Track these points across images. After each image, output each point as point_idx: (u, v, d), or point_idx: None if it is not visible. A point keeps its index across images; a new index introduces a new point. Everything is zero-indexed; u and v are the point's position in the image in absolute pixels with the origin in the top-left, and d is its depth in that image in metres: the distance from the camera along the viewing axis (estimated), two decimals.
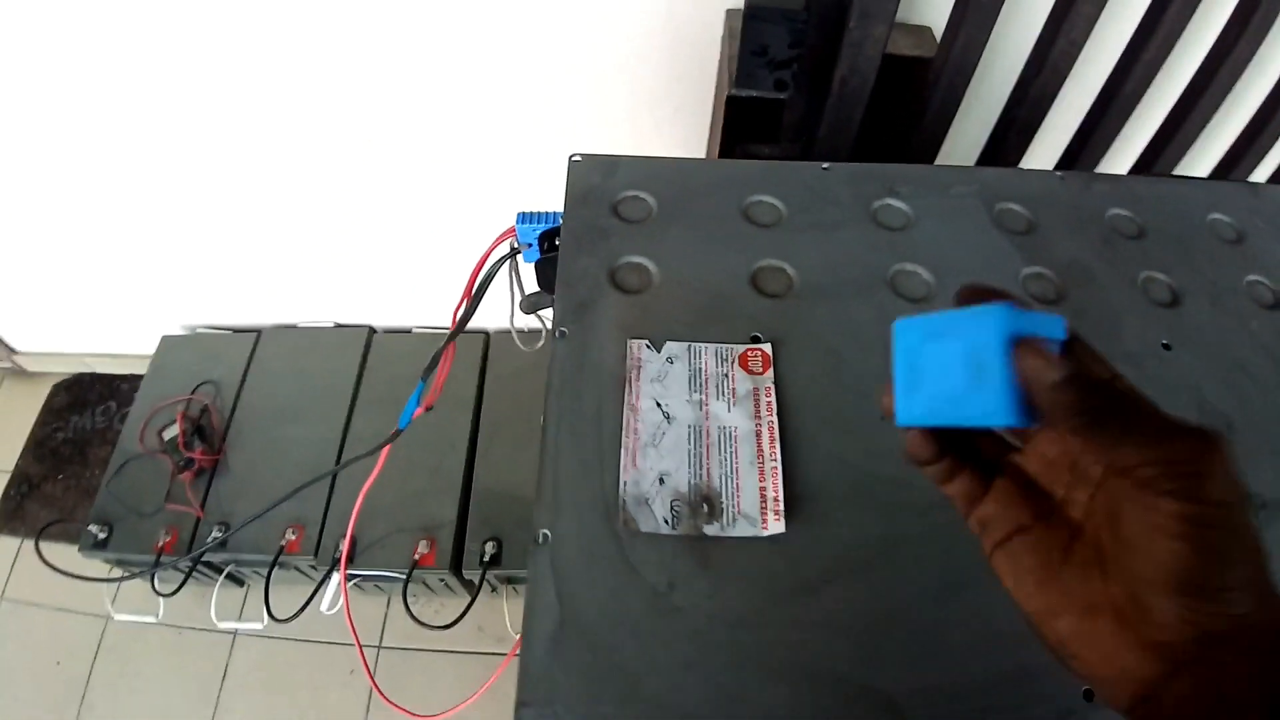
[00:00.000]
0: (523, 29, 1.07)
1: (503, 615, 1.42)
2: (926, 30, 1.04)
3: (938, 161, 1.11)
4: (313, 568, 1.40)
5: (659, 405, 0.56)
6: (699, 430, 0.55)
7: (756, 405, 0.56)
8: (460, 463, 1.46)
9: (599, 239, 0.65)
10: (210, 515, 1.41)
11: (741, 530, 0.51)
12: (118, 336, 1.78)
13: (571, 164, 0.71)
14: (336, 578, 1.36)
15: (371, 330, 1.66)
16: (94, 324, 1.75)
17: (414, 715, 1.15)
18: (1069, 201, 0.73)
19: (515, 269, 0.78)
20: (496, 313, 1.67)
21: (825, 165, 0.72)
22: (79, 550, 1.41)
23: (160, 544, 1.38)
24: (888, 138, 1.06)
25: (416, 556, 1.35)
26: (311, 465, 1.46)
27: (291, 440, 1.49)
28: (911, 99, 1.03)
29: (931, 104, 1.02)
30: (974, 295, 0.33)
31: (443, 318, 1.67)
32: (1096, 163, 1.12)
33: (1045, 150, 1.14)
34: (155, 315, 1.69)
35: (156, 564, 1.37)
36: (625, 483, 0.52)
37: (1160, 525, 0.27)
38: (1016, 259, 0.67)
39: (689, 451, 0.54)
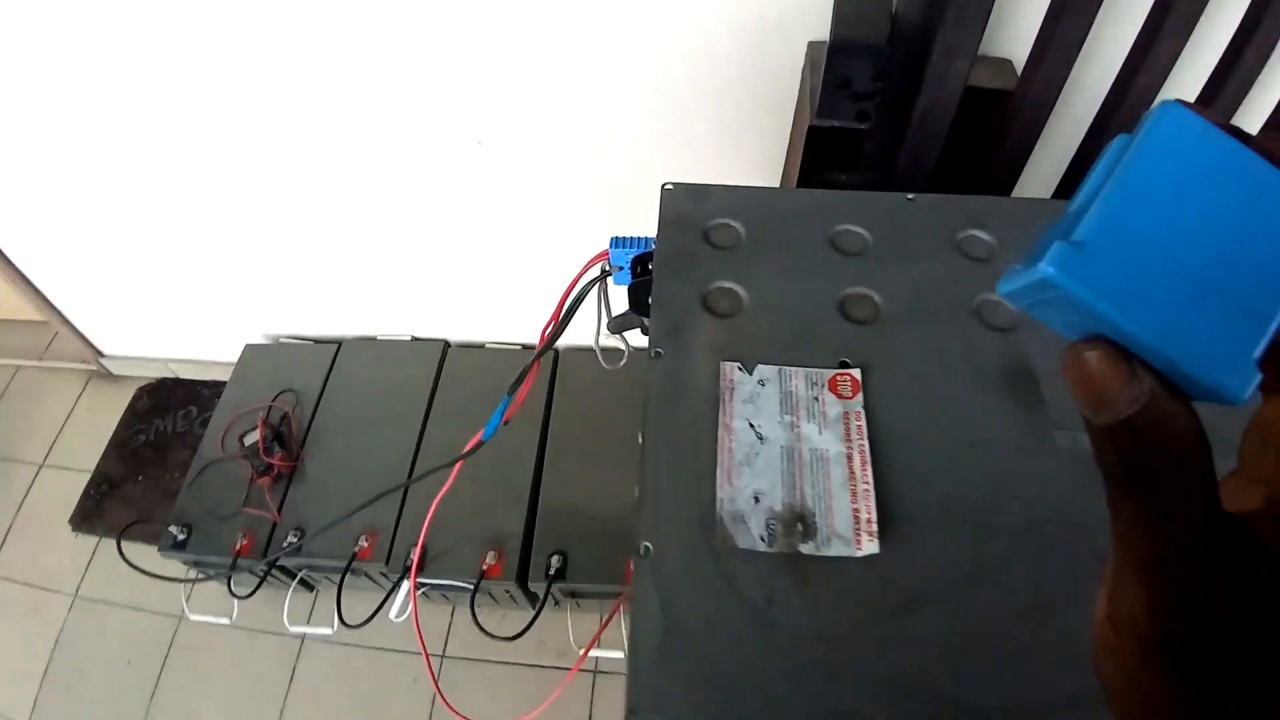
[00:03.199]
0: (610, 56, 1.10)
1: (565, 629, 1.44)
2: (1007, 63, 1.05)
3: (1015, 192, 1.11)
4: (383, 575, 1.44)
5: (752, 426, 0.58)
6: (791, 451, 0.57)
7: (847, 429, 0.58)
8: (528, 476, 1.49)
9: (691, 264, 0.68)
10: (287, 520, 1.47)
11: (836, 550, 0.53)
12: (201, 343, 1.86)
13: (664, 192, 0.74)
14: (406, 585, 1.40)
15: (446, 344, 1.72)
16: (178, 330, 1.83)
17: None
18: None
19: (604, 291, 0.81)
20: (569, 331, 1.71)
21: (910, 196, 0.74)
22: (158, 550, 1.47)
23: (237, 547, 1.44)
24: (966, 167, 1.07)
25: (484, 567, 1.38)
26: (386, 474, 1.51)
27: (367, 449, 1.55)
28: (991, 130, 1.04)
29: (1011, 135, 1.03)
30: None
31: (514, 334, 1.72)
32: None
33: None
34: (238, 323, 1.77)
35: (234, 566, 1.42)
36: (722, 500, 0.54)
37: None
38: None
39: (782, 471, 0.56)
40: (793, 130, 1.17)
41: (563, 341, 1.69)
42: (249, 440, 1.54)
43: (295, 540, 1.42)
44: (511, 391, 0.91)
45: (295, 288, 1.66)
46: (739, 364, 0.61)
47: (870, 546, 0.53)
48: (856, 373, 0.61)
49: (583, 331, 1.64)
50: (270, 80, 1.20)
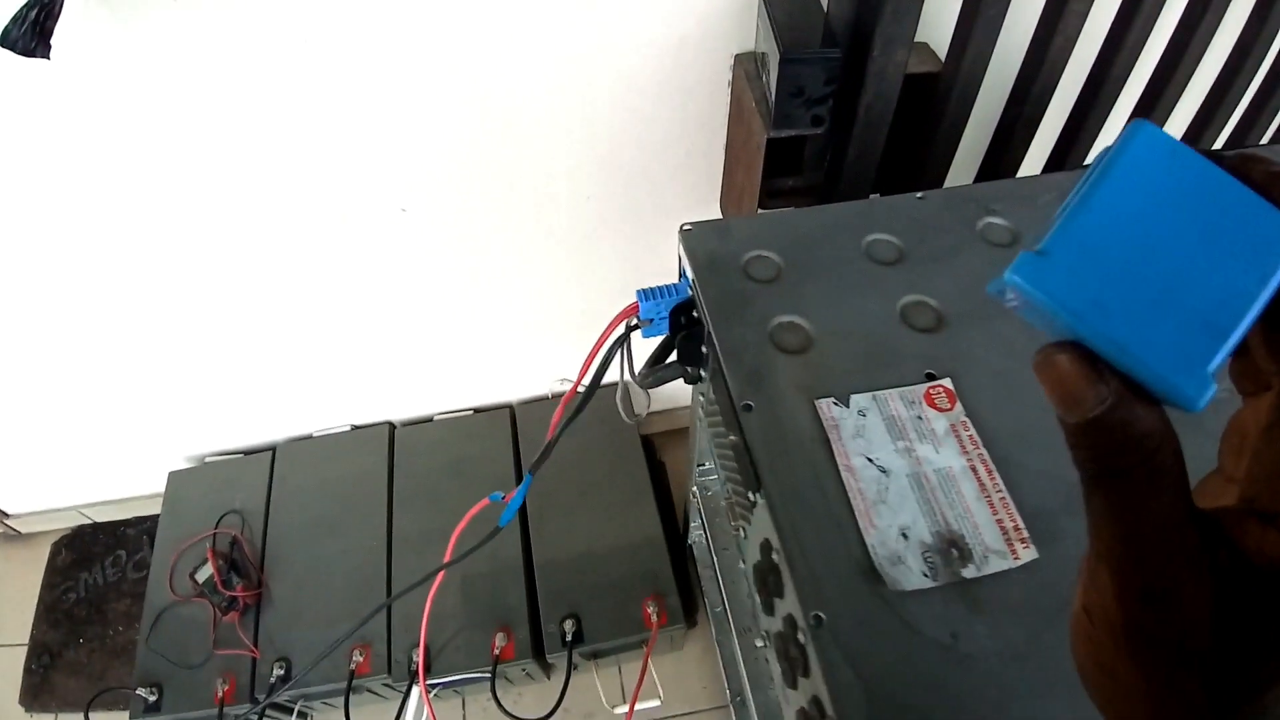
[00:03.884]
0: (532, 90, 1.06)
1: (586, 690, 1.39)
2: (924, 45, 1.08)
3: (951, 167, 1.14)
4: (387, 685, 1.34)
5: (870, 461, 0.56)
6: (918, 478, 0.55)
7: (960, 441, 0.57)
8: (516, 543, 1.42)
9: (743, 305, 0.65)
10: (266, 653, 1.34)
11: (995, 566, 0.51)
12: (115, 481, 1.67)
13: (683, 233, 0.71)
14: (416, 692, 1.30)
15: (392, 426, 1.61)
16: (87, 472, 1.64)
17: None
18: None
19: (628, 347, 0.77)
20: (520, 385, 1.64)
21: (920, 194, 0.74)
22: (130, 718, 1.32)
23: (219, 695, 1.30)
24: (906, 153, 1.10)
25: (496, 651, 1.31)
26: (360, 577, 1.41)
27: (334, 555, 1.43)
28: (925, 112, 1.07)
29: (946, 115, 1.06)
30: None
31: (462, 399, 1.63)
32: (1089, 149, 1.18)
33: (1037, 144, 1.18)
34: (154, 451, 1.60)
35: (221, 718, 1.29)
36: (872, 545, 0.52)
37: None
38: None
39: (918, 500, 0.54)
40: (730, 143, 1.17)
41: (515, 395, 1.64)
42: (202, 576, 1.40)
43: (282, 672, 1.31)
44: (535, 470, 0.86)
45: (213, 399, 1.51)
46: (833, 399, 0.59)
47: (1027, 553, 0.52)
48: (948, 382, 0.60)
49: (537, 383, 1.56)
50: (155, 167, 1.07)
